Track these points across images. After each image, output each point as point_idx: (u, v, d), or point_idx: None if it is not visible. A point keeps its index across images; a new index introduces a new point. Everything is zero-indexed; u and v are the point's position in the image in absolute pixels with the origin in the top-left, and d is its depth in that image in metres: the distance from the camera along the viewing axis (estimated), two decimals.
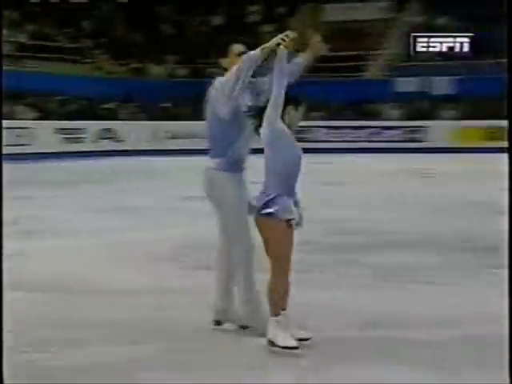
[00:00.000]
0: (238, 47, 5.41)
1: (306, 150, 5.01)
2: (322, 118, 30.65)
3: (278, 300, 4.86)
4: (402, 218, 11.36)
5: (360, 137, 30.38)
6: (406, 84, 31.14)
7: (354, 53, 32.87)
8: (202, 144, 5.71)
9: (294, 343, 4.79)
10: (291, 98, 4.98)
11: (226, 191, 5.16)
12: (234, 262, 5.25)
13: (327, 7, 35.58)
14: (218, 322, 5.38)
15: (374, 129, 30.49)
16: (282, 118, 4.93)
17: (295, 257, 4.89)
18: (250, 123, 5.13)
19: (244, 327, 5.28)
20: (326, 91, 30.01)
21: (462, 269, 7.57)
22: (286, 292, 4.88)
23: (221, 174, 5.18)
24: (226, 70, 5.36)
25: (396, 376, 4.48)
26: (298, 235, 4.88)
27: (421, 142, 29.60)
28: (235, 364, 4.69)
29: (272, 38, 5.05)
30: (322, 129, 30.44)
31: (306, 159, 5.03)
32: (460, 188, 15.80)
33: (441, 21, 33.87)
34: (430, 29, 33.01)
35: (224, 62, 5.41)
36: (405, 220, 11.14)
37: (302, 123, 5.03)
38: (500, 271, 7.30)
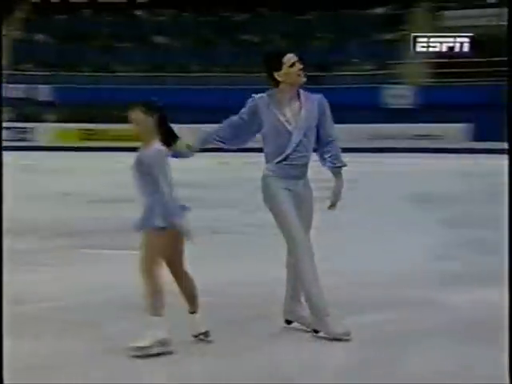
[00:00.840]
0: (290, 57, 4.46)
1: None
2: None
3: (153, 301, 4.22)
4: (8, 208, 10.96)
5: None
6: (14, 90, 30.22)
7: None
8: None
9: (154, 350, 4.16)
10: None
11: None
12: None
13: None
14: (288, 321, 4.72)
15: None
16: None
17: None
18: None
19: (315, 331, 4.54)
20: None
21: (61, 251, 7.57)
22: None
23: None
24: (278, 83, 4.47)
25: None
26: None
27: (28, 141, 29.40)
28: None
29: None
30: None
31: None
32: (59, 180, 15.70)
33: (38, 37, 34.34)
34: (29, 43, 33.45)
35: (278, 74, 4.44)
36: (9, 210, 10.76)
37: None
38: (95, 252, 7.42)
